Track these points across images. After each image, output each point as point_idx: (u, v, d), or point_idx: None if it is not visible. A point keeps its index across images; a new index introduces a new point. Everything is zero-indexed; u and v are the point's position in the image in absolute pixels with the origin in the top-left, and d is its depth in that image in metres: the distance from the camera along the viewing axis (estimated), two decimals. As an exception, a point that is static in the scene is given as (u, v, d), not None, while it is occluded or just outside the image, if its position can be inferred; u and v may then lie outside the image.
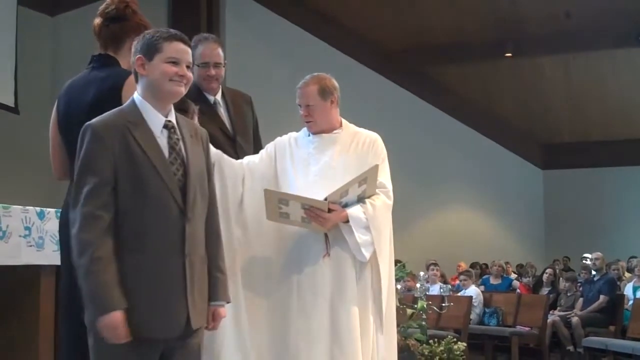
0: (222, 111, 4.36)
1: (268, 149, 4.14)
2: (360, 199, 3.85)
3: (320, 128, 4.03)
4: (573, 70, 16.39)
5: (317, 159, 3.98)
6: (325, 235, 3.83)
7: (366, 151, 4.01)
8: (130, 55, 3.26)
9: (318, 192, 3.79)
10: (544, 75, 16.63)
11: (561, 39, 15.04)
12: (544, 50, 15.65)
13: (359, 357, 3.74)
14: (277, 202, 3.73)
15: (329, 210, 3.74)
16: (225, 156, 3.99)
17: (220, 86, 4.39)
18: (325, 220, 3.74)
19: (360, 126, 4.18)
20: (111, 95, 3.20)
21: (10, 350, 4.63)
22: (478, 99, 18.00)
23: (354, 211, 3.81)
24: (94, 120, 2.85)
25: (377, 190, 3.92)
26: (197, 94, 4.26)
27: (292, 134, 4.16)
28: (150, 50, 2.93)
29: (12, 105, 10.29)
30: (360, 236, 3.78)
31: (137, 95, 2.96)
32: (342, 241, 3.82)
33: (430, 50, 16.01)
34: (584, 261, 13.46)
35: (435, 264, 12.47)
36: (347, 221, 3.79)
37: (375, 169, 3.86)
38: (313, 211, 3.72)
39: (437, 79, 17.45)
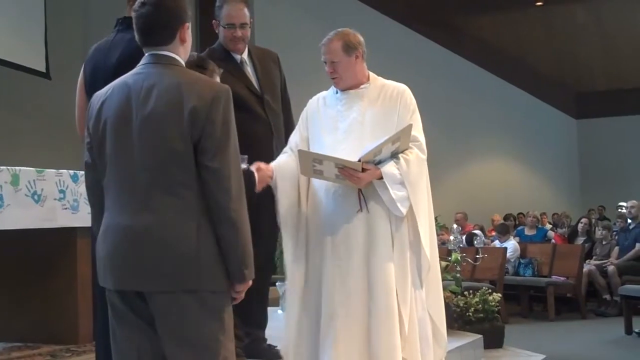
0: (249, 70, 4.35)
1: (302, 118, 4.11)
2: (394, 155, 3.82)
3: (346, 84, 3.98)
4: (605, 17, 16.11)
5: (345, 116, 3.95)
6: (360, 190, 3.82)
7: (394, 103, 3.95)
8: None
9: (347, 149, 3.78)
10: (575, 22, 16.37)
11: (593, -16, 14.81)
12: (576, -4, 15.42)
13: (394, 312, 3.73)
14: (311, 161, 3.74)
15: (363, 170, 3.73)
16: (282, 165, 3.94)
17: (247, 45, 4.38)
18: (359, 180, 3.73)
19: (390, 80, 4.13)
20: (138, 55, 3.22)
21: (50, 311, 4.74)
22: (509, 49, 17.79)
23: (388, 168, 3.78)
24: (224, 85, 2.82)
25: (410, 144, 3.89)
26: (223, 54, 4.27)
27: (321, 94, 4.12)
28: None
29: (44, 71, 10.36)
30: (395, 192, 3.75)
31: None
32: (377, 196, 3.80)
33: (459, 1, 15.82)
34: (619, 209, 13.39)
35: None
36: (382, 178, 3.78)
37: (409, 128, 3.83)
38: (347, 171, 3.71)
39: (467, 30, 17.26)
